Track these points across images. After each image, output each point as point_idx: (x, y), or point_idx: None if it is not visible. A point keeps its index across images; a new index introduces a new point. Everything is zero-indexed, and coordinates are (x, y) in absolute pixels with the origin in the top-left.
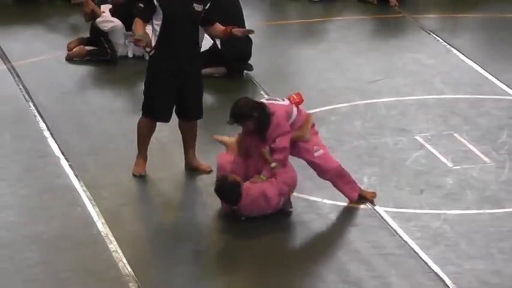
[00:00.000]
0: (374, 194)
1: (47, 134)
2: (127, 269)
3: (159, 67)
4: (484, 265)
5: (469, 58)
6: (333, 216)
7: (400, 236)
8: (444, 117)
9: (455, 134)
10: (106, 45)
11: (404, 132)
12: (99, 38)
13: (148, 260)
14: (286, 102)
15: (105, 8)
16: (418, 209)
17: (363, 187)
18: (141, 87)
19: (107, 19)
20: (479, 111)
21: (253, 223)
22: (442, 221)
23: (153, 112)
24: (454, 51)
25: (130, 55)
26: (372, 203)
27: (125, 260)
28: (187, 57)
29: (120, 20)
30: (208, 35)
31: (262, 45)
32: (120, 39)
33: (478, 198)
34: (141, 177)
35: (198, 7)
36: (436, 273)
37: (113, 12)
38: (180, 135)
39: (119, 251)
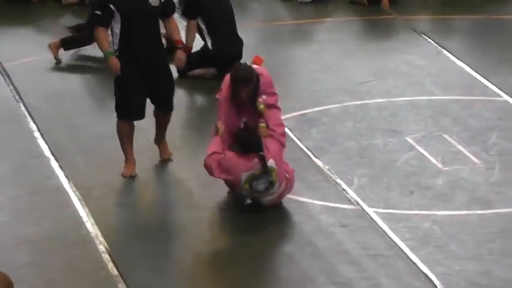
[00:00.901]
0: None
1: (37, 134)
2: (116, 270)
3: (125, 68)
4: (473, 266)
5: (459, 60)
6: (323, 217)
7: (390, 237)
8: (434, 118)
9: (446, 135)
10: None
11: (394, 133)
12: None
13: (138, 260)
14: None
15: None
16: (408, 210)
17: (353, 188)
18: None
19: None
20: (469, 113)
21: (243, 223)
22: (432, 222)
23: (127, 113)
24: (445, 52)
25: None
26: None
27: (114, 261)
28: (151, 54)
29: None
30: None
31: (253, 47)
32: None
33: (468, 199)
34: (131, 177)
35: (154, 2)
36: (425, 274)
37: None
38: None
39: (109, 251)
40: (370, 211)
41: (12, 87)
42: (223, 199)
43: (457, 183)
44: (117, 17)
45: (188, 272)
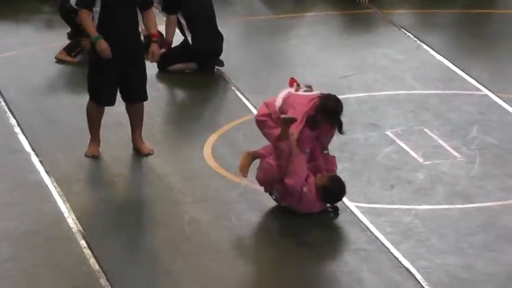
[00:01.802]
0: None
1: (17, 130)
2: (97, 265)
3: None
4: (454, 260)
5: (439, 54)
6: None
7: (371, 232)
8: (415, 112)
9: (426, 130)
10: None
11: (375, 127)
12: (69, 16)
13: (119, 255)
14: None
15: None
16: (389, 204)
17: None
18: None
19: None
20: (449, 107)
21: (224, 217)
22: (413, 216)
23: (98, 97)
24: (425, 46)
25: None
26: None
27: (95, 256)
28: (128, 42)
29: None
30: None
31: (233, 41)
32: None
33: (449, 193)
34: (93, 157)
35: None
36: (406, 268)
37: None
38: (151, 133)
39: (90, 246)
40: (351, 205)
41: None
42: (203, 194)
43: (438, 177)
44: (98, 1)
45: (169, 266)
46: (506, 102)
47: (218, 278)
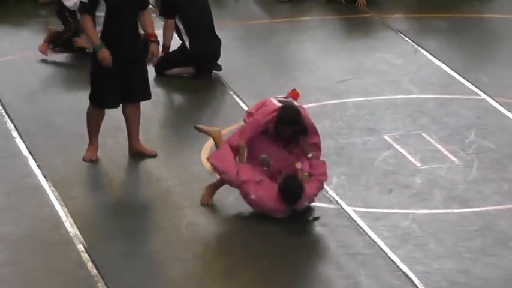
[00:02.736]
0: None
1: (14, 134)
2: (95, 270)
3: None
4: (452, 264)
5: (437, 58)
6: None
7: (369, 236)
8: (412, 117)
9: (424, 134)
10: (70, 19)
11: (372, 132)
12: (63, 13)
13: (117, 260)
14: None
15: None
16: (386, 209)
17: (331, 187)
18: None
19: None
20: (447, 111)
21: (221, 222)
22: (411, 220)
23: (101, 101)
24: (422, 51)
25: None
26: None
27: (93, 260)
28: (131, 44)
29: None
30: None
31: (231, 45)
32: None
33: (446, 197)
34: (91, 161)
35: None
36: (404, 273)
37: None
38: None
39: (88, 251)
40: (349, 210)
41: None
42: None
43: (436, 182)
44: (101, 6)
45: (167, 270)
46: (503, 107)
47: (217, 281)
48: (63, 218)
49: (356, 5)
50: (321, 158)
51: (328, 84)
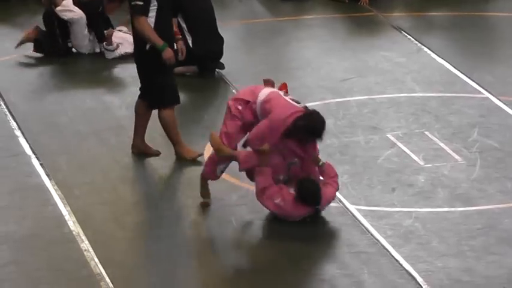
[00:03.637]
0: None
1: (17, 133)
2: (98, 268)
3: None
4: (455, 263)
5: (440, 56)
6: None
7: (372, 234)
8: (416, 115)
9: (427, 132)
10: (59, 39)
11: (376, 130)
12: (53, 29)
13: (120, 259)
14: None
15: None
16: (389, 207)
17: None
18: (113, 86)
19: (67, 8)
20: (450, 110)
21: (225, 220)
22: (414, 219)
23: (178, 97)
24: (425, 49)
25: (97, 51)
26: None
27: (96, 259)
28: (173, 41)
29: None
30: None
31: (233, 44)
32: (82, 32)
33: (449, 196)
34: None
35: None
36: (407, 271)
37: (77, 3)
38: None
39: (91, 250)
40: (352, 208)
41: None
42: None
43: (439, 180)
44: (151, 6)
45: (170, 269)
46: (507, 105)
47: (220, 280)
48: (66, 217)
49: (359, 3)
50: (321, 157)
51: (331, 83)
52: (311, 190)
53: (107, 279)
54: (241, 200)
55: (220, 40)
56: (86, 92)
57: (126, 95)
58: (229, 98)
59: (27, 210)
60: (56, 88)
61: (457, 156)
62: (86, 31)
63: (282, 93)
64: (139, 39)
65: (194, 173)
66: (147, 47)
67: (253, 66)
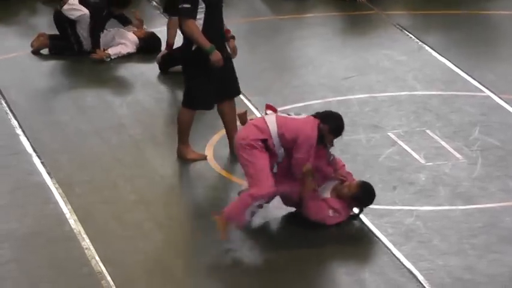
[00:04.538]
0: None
1: (19, 131)
2: (99, 267)
3: (207, 58)
4: (456, 261)
5: (441, 55)
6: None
7: (373, 232)
8: (417, 113)
9: (428, 131)
10: (72, 38)
11: (377, 128)
12: (64, 28)
13: (121, 257)
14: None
15: None
16: (390, 205)
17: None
18: (114, 84)
19: (74, 7)
20: (451, 108)
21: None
22: (415, 217)
23: (211, 103)
24: (427, 48)
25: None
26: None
27: (97, 258)
28: (224, 40)
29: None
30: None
31: (235, 42)
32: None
33: (451, 194)
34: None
35: None
36: (408, 270)
37: (83, 2)
38: (152, 134)
39: (92, 248)
40: None
41: None
42: (205, 195)
43: (440, 179)
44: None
45: (171, 267)
46: (508, 104)
47: (219, 278)
48: (67, 215)
49: (357, 1)
50: None
51: (333, 81)
52: (371, 192)
53: (108, 278)
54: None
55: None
56: (87, 90)
57: (127, 94)
58: (240, 143)
59: (28, 209)
60: (57, 86)
61: (458, 155)
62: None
63: (280, 114)
64: (187, 40)
65: (194, 172)
66: (193, 47)
67: (255, 64)
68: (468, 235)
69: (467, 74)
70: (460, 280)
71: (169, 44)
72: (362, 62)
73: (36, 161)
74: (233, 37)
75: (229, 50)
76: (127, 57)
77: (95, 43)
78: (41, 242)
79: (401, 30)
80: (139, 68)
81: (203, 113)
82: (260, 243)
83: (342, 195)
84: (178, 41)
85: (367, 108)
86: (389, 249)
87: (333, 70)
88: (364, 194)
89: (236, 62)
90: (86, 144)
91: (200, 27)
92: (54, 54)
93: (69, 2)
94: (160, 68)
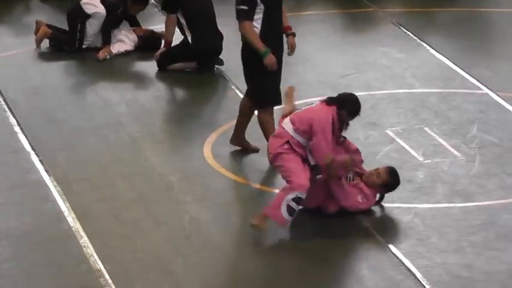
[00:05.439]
0: None
1: (17, 129)
2: (98, 264)
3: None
4: (454, 259)
5: (439, 52)
6: (304, 211)
7: (371, 230)
8: (415, 111)
9: (426, 128)
10: (78, 34)
11: (375, 126)
12: (75, 24)
13: (119, 255)
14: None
15: None
16: (389, 203)
17: None
18: (113, 82)
19: (93, 3)
20: (449, 105)
21: (223, 216)
22: (413, 214)
23: (276, 99)
24: (425, 45)
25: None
26: None
27: (95, 255)
28: (281, 40)
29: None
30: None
31: (233, 40)
32: (96, 30)
33: (449, 192)
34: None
35: None
36: (407, 267)
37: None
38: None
39: (90, 246)
40: None
41: None
42: (203, 193)
43: (438, 176)
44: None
45: (169, 265)
46: (506, 101)
47: (218, 277)
48: (66, 213)
49: None
50: None
51: (331, 79)
52: (398, 177)
53: (106, 275)
54: (240, 196)
55: (220, 36)
56: (86, 88)
57: (125, 92)
58: (271, 158)
59: (26, 207)
60: (55, 84)
61: (456, 152)
62: (98, 30)
63: (296, 112)
64: (245, 41)
65: (192, 170)
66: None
67: None
68: (466, 232)
69: (465, 71)
70: (458, 277)
71: (168, 42)
72: (360, 60)
73: (35, 159)
74: (293, 34)
75: (287, 47)
76: (126, 55)
77: (106, 39)
78: (40, 239)
79: (399, 27)
80: (138, 66)
81: (201, 111)
82: (258, 242)
83: (370, 183)
84: (177, 38)
85: (365, 105)
86: (388, 247)
87: (331, 67)
88: (395, 180)
89: (234, 60)
90: (84, 142)
91: (258, 28)
92: (52, 46)
93: None
94: (158, 66)
